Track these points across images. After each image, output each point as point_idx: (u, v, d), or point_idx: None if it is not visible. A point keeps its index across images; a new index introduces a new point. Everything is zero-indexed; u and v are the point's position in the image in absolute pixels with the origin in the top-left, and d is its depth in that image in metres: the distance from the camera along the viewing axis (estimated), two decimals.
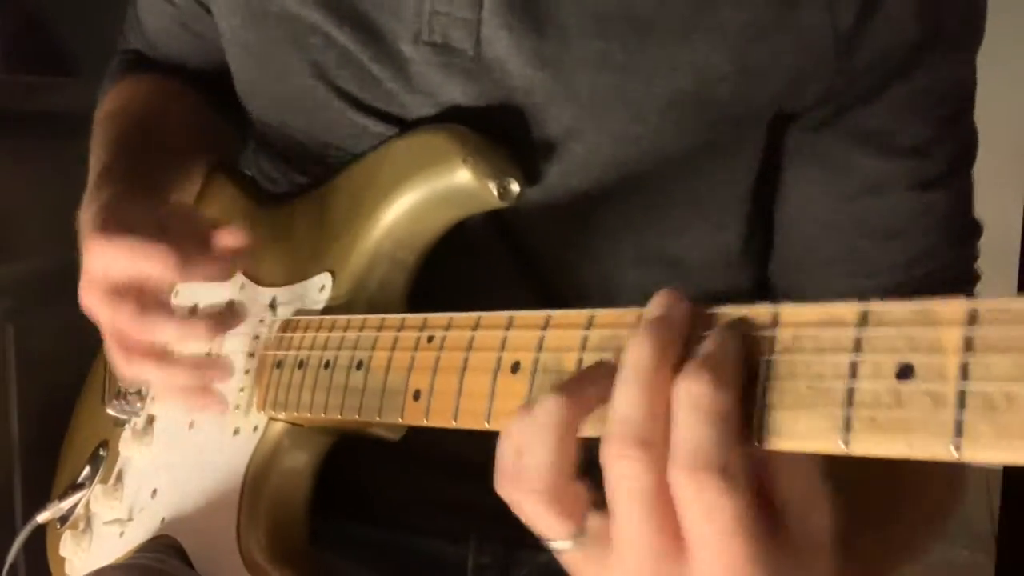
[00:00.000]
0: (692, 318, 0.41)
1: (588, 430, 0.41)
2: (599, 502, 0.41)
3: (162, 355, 0.64)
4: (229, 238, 0.64)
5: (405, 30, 0.65)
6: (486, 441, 0.47)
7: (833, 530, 0.41)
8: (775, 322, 0.39)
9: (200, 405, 0.66)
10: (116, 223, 0.63)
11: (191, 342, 0.65)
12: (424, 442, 0.61)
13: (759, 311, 0.39)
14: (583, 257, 0.69)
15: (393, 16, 0.65)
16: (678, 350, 0.39)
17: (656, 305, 0.41)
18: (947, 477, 0.65)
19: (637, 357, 0.39)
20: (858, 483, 0.53)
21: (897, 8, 0.61)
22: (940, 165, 0.66)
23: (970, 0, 0.65)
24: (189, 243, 0.62)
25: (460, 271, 0.67)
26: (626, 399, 0.39)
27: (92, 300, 0.64)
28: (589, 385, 0.41)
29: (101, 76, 0.89)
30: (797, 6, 0.60)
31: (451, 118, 0.65)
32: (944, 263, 0.67)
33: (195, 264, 0.61)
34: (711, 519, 0.37)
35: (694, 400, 0.37)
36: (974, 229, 0.68)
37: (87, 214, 0.68)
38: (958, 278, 0.68)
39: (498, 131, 0.64)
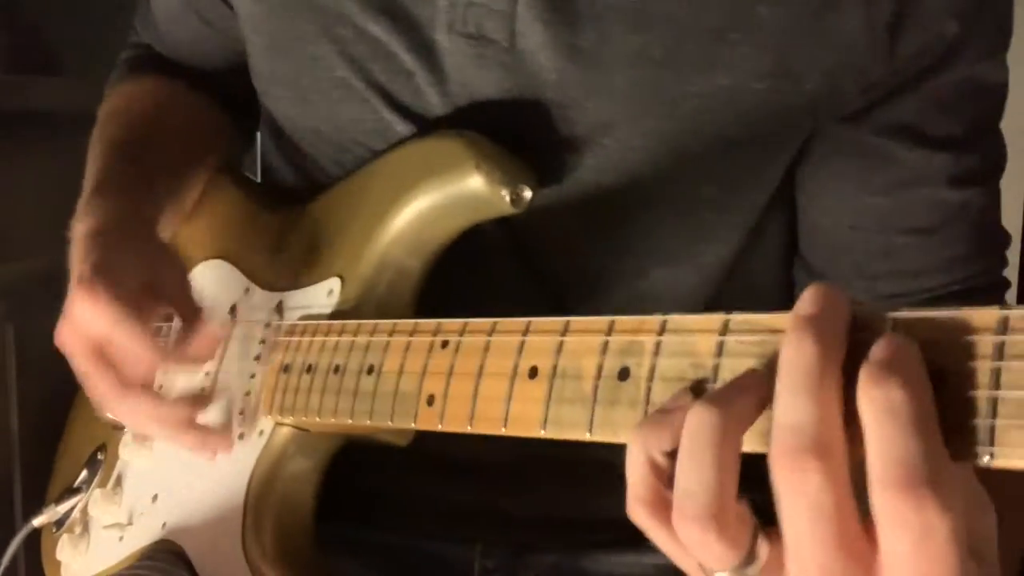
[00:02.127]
0: (852, 317, 0.37)
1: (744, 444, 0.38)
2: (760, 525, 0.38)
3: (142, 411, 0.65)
4: (214, 329, 0.67)
5: (440, 19, 0.65)
6: (492, 444, 0.47)
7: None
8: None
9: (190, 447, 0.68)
10: (105, 275, 0.63)
11: (164, 424, 0.67)
12: (430, 445, 0.61)
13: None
14: (604, 257, 0.69)
15: (428, 5, 0.65)
16: (843, 352, 0.35)
17: (813, 300, 0.36)
18: None
19: (800, 358, 0.35)
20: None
21: (934, 5, 0.61)
22: (975, 164, 0.66)
23: (1001, 1, 0.65)
24: (184, 310, 0.67)
25: (468, 276, 0.67)
26: (795, 406, 0.35)
27: (72, 348, 0.65)
28: (743, 394, 0.38)
29: (98, 76, 0.89)
30: (835, 5, 0.61)
31: (481, 113, 0.65)
32: (981, 267, 0.67)
33: (173, 359, 0.65)
34: (926, 542, 0.32)
35: (888, 407, 0.33)
36: (1005, 237, 0.69)
37: (81, 226, 0.68)
38: (993, 284, 0.69)
39: (529, 126, 0.64)
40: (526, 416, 0.49)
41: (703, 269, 0.69)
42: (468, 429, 0.52)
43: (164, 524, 0.72)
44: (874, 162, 0.65)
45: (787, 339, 0.36)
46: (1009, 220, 0.69)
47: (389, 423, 0.57)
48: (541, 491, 0.74)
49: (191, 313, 0.67)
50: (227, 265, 0.77)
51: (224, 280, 0.77)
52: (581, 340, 0.47)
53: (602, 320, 0.47)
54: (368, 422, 0.58)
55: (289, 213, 0.75)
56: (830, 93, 0.63)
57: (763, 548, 0.37)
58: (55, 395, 0.66)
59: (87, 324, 0.63)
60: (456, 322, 0.55)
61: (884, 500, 0.33)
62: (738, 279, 0.71)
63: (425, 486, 0.75)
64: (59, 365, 0.67)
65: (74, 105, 0.89)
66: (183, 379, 0.73)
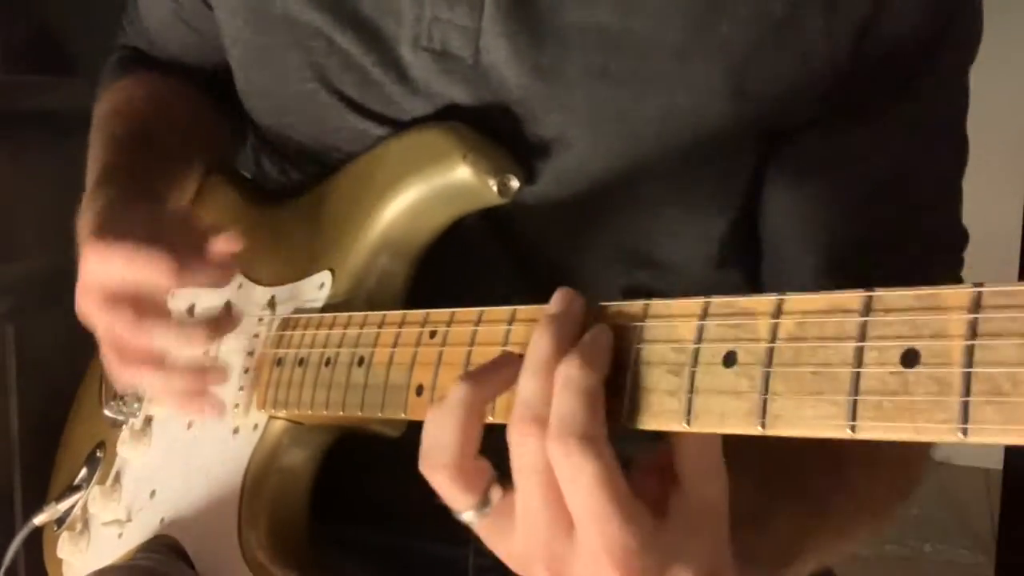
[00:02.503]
0: (586, 314, 0.46)
1: (500, 416, 0.47)
2: (508, 481, 0.45)
3: (159, 361, 0.64)
4: (226, 243, 0.65)
5: (405, 34, 0.65)
6: (485, 445, 0.47)
7: (733, 502, 0.44)
8: (775, 311, 0.39)
9: (197, 410, 0.66)
10: (113, 228, 0.63)
11: (188, 346, 0.65)
12: None
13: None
14: (575, 258, 0.69)
15: (394, 19, 0.65)
16: (572, 342, 0.44)
17: (555, 303, 0.47)
18: (902, 459, 0.64)
19: (536, 348, 0.45)
20: (781, 461, 0.55)
21: (896, 30, 0.61)
22: (934, 185, 0.66)
23: (972, 15, 0.65)
24: (186, 248, 0.63)
25: (457, 270, 0.67)
26: (527, 385, 0.44)
27: (89, 307, 0.64)
28: (493, 373, 0.47)
29: (100, 76, 0.89)
30: (796, 27, 0.61)
31: (449, 118, 0.65)
32: (938, 272, 0.67)
33: (192, 270, 0.62)
34: (576, 480, 0.41)
35: (565, 379, 0.43)
36: (962, 240, 0.69)
37: (85, 217, 0.67)
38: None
39: (493, 135, 0.64)
40: (512, 405, 0.49)
41: (682, 270, 0.69)
42: None
43: (162, 520, 0.72)
44: (832, 186, 0.65)
45: (534, 333, 0.45)
46: (1009, 220, 0.68)
47: (379, 414, 0.57)
48: None
49: (195, 239, 0.65)
50: None
51: None
52: None
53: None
54: (359, 413, 0.58)
55: (281, 209, 0.75)
56: (790, 113, 0.63)
57: (496, 494, 0.47)
58: (55, 395, 0.66)
59: (102, 274, 0.62)
60: (444, 312, 0.55)
61: (549, 450, 0.42)
62: (721, 279, 0.71)
63: (420, 487, 0.74)
64: (59, 365, 0.67)
65: (75, 105, 0.89)
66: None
